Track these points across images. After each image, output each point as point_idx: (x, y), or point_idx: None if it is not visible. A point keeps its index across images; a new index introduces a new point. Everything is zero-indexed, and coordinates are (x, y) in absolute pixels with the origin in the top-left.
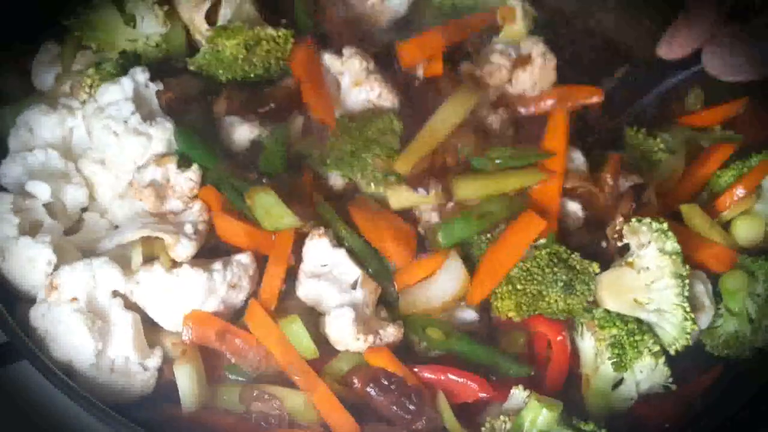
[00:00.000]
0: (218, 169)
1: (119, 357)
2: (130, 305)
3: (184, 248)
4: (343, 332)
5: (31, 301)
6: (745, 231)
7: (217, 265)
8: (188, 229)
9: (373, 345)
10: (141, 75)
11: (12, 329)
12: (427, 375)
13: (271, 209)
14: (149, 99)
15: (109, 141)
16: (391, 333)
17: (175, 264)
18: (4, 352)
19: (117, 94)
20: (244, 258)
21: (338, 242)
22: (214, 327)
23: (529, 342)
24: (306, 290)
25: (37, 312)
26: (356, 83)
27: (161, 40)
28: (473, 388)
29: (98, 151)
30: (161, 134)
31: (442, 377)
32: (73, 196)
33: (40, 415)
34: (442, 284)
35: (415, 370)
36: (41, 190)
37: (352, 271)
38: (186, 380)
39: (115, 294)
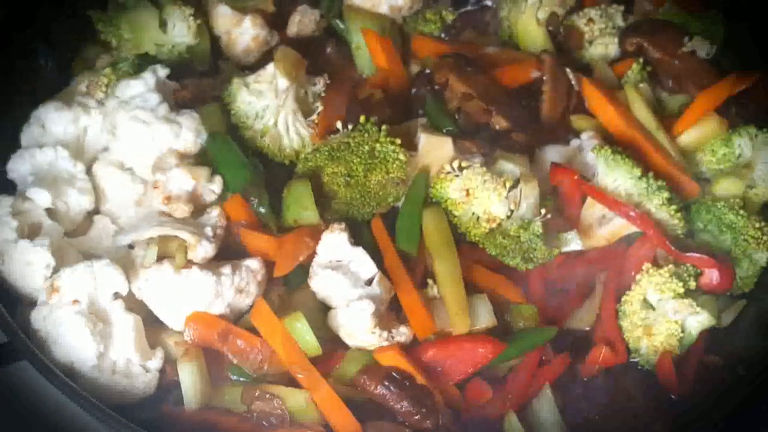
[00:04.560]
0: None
1: (121, 359)
2: (131, 307)
3: (204, 249)
4: (361, 324)
5: (32, 303)
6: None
7: (226, 269)
8: (208, 232)
9: (385, 342)
10: (161, 71)
11: (12, 329)
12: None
13: (302, 200)
14: (169, 95)
15: (139, 131)
16: (403, 333)
17: (185, 265)
18: (4, 352)
19: (140, 87)
20: (254, 263)
21: (356, 241)
22: (217, 328)
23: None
24: (320, 281)
25: (39, 314)
26: None
27: (185, 50)
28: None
29: (122, 147)
30: (190, 123)
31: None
32: (77, 200)
33: (40, 415)
34: None
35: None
36: (42, 198)
37: (369, 268)
38: (189, 378)
39: (117, 296)
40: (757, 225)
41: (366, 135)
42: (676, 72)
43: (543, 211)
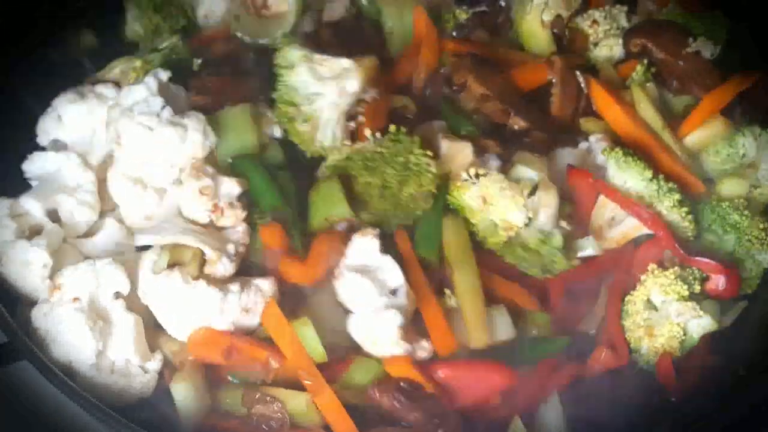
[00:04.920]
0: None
1: (119, 358)
2: (133, 308)
3: (224, 267)
4: (387, 335)
5: (32, 303)
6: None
7: (235, 287)
8: (230, 248)
9: (407, 354)
10: (163, 74)
11: (12, 329)
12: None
13: (332, 196)
14: (173, 98)
15: (143, 137)
16: (425, 347)
17: (195, 276)
18: (4, 352)
19: (143, 92)
20: (265, 284)
21: (385, 249)
22: (220, 345)
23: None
24: (346, 284)
25: (39, 311)
26: None
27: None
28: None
29: (129, 156)
30: (196, 124)
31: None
32: (79, 212)
33: (40, 415)
34: None
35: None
36: (32, 207)
37: (396, 277)
38: (182, 399)
39: (118, 295)
40: (762, 226)
41: (400, 146)
42: (680, 73)
43: (563, 223)
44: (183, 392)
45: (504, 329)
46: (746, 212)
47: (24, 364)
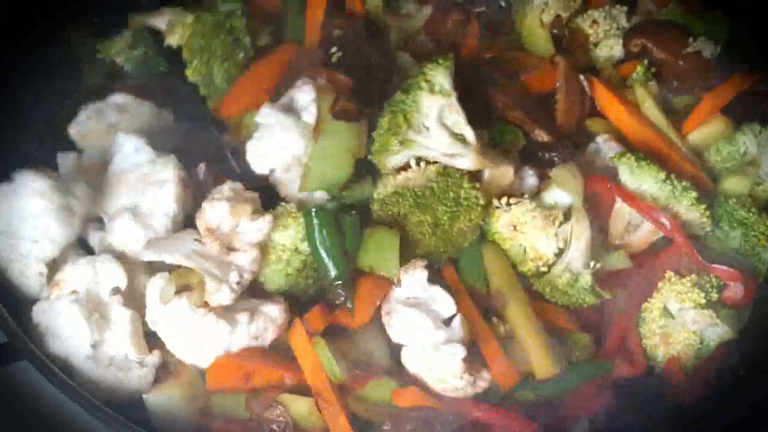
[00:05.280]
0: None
1: (117, 353)
2: (130, 303)
3: (223, 296)
4: (450, 369)
5: (32, 303)
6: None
7: (243, 318)
8: (233, 277)
9: (470, 387)
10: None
11: (12, 329)
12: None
13: (387, 249)
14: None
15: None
16: (485, 377)
17: (203, 304)
18: (4, 352)
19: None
20: (274, 311)
21: (433, 280)
22: (239, 372)
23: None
24: (398, 318)
25: (40, 308)
26: None
27: None
28: None
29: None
30: (165, 176)
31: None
32: (55, 229)
33: (40, 415)
34: None
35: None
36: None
37: (449, 307)
38: (159, 412)
39: (116, 291)
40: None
41: (449, 179)
42: (681, 73)
43: (593, 263)
44: (160, 403)
45: (558, 358)
46: (753, 209)
47: (24, 364)
